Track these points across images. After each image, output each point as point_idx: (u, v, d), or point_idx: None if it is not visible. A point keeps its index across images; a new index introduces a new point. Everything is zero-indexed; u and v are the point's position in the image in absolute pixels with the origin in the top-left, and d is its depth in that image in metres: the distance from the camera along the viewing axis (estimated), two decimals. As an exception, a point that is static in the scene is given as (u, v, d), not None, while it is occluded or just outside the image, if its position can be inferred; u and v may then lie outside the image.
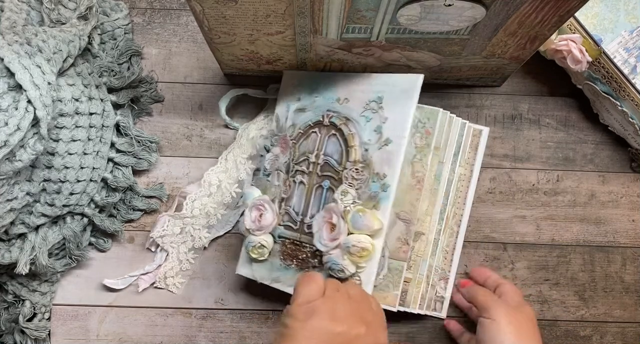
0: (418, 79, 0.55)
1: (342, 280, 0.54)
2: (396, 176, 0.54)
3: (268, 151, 0.62)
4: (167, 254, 0.64)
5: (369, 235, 0.54)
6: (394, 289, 0.58)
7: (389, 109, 0.56)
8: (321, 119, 0.59)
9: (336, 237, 0.54)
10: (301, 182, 0.59)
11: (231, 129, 0.66)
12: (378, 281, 0.58)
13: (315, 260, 0.57)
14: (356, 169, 0.56)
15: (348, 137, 0.57)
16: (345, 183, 0.56)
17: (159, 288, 0.64)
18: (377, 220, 0.53)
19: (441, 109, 0.59)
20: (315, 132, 0.59)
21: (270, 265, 0.59)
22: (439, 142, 0.60)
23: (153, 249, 0.65)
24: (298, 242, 0.58)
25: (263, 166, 0.62)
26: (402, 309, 0.60)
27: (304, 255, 0.58)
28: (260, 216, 0.59)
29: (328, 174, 0.58)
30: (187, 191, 0.65)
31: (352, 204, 0.55)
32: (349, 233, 0.54)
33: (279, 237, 0.59)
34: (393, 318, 0.63)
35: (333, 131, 0.58)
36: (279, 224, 0.59)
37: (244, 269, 0.61)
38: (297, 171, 0.59)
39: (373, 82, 0.58)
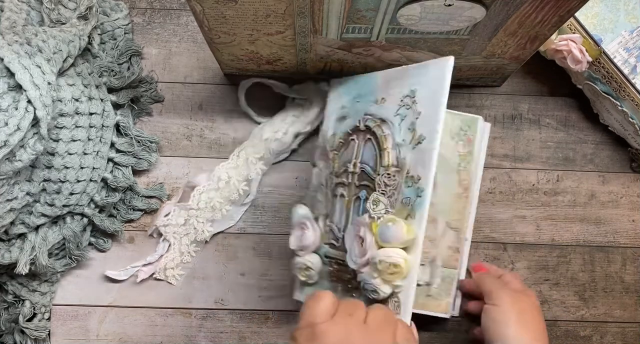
0: (447, 62, 0.47)
1: (381, 303, 0.47)
2: (431, 177, 0.46)
3: (314, 166, 0.60)
4: (169, 245, 0.64)
5: (403, 248, 0.47)
6: (447, 296, 0.59)
7: (422, 102, 0.49)
8: (358, 124, 0.54)
9: (365, 252, 0.49)
10: (342, 195, 0.54)
11: (230, 131, 0.66)
12: (433, 291, 0.58)
13: (356, 281, 0.50)
14: (388, 174, 0.50)
15: (381, 139, 0.52)
16: (378, 191, 0.50)
17: (159, 279, 0.64)
18: (408, 230, 0.46)
19: (480, 117, 0.60)
20: (353, 139, 0.55)
21: (321, 288, 0.54)
22: (479, 149, 0.60)
23: (155, 235, 0.65)
24: (341, 262, 0.52)
25: (311, 181, 0.59)
26: (454, 314, 0.60)
27: (348, 276, 0.52)
28: (303, 235, 0.55)
29: (365, 184, 0.52)
30: (194, 182, 0.64)
31: (385, 213, 0.49)
32: (380, 247, 0.48)
33: (326, 257, 0.54)
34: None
35: (368, 136, 0.53)
36: (325, 243, 0.55)
37: (299, 294, 0.58)
38: (337, 183, 0.55)
39: (407, 75, 0.51)
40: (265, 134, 0.64)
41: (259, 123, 0.66)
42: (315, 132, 0.65)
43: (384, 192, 0.50)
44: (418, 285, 0.58)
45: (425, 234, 0.57)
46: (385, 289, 0.47)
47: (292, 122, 0.64)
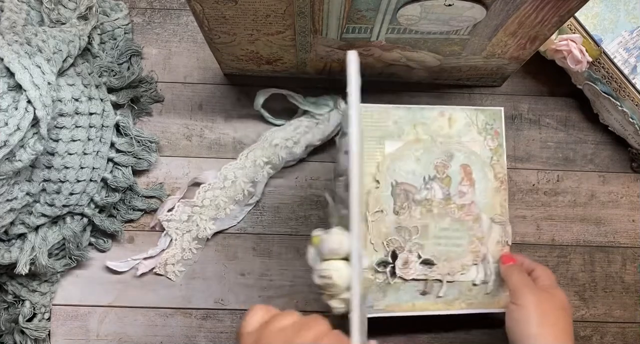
0: (349, 56, 0.43)
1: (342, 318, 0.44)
2: (353, 180, 0.43)
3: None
4: (171, 240, 0.64)
5: (344, 259, 0.44)
6: (504, 291, 0.59)
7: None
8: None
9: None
10: None
11: (230, 131, 0.66)
12: (490, 288, 0.59)
13: None
14: (338, 184, 0.51)
15: (338, 150, 0.52)
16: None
17: (159, 274, 0.64)
18: (341, 240, 0.43)
19: (502, 108, 0.61)
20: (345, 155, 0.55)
21: None
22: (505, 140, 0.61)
23: (157, 228, 0.65)
24: None
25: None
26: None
27: None
28: None
29: None
30: (201, 179, 0.64)
31: (337, 226, 0.46)
32: (324, 261, 0.45)
33: None
34: (392, 319, 0.63)
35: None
36: None
37: None
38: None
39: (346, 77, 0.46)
40: (276, 140, 0.63)
41: (276, 125, 0.66)
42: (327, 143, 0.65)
43: (337, 203, 0.50)
44: (475, 285, 0.59)
45: (472, 233, 0.59)
46: (335, 304, 0.44)
47: (304, 133, 0.64)
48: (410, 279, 0.58)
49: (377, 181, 0.58)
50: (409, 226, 0.58)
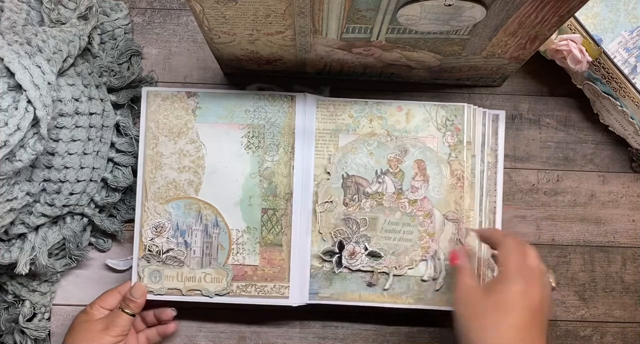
0: None
1: None
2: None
3: None
4: None
5: None
6: (453, 290, 0.59)
7: None
8: None
9: None
10: None
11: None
12: (439, 285, 0.59)
13: None
14: None
15: None
16: None
17: None
18: None
19: (465, 104, 0.61)
20: None
21: None
22: (470, 136, 0.61)
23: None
24: None
25: None
26: None
27: None
28: None
29: None
30: None
31: None
32: None
33: None
34: (393, 318, 0.63)
35: None
36: None
37: None
38: None
39: None
40: None
41: None
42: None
43: None
44: (423, 281, 0.59)
45: (424, 229, 0.60)
46: None
47: None
48: (357, 270, 0.59)
49: (328, 173, 0.60)
50: (357, 217, 0.59)
